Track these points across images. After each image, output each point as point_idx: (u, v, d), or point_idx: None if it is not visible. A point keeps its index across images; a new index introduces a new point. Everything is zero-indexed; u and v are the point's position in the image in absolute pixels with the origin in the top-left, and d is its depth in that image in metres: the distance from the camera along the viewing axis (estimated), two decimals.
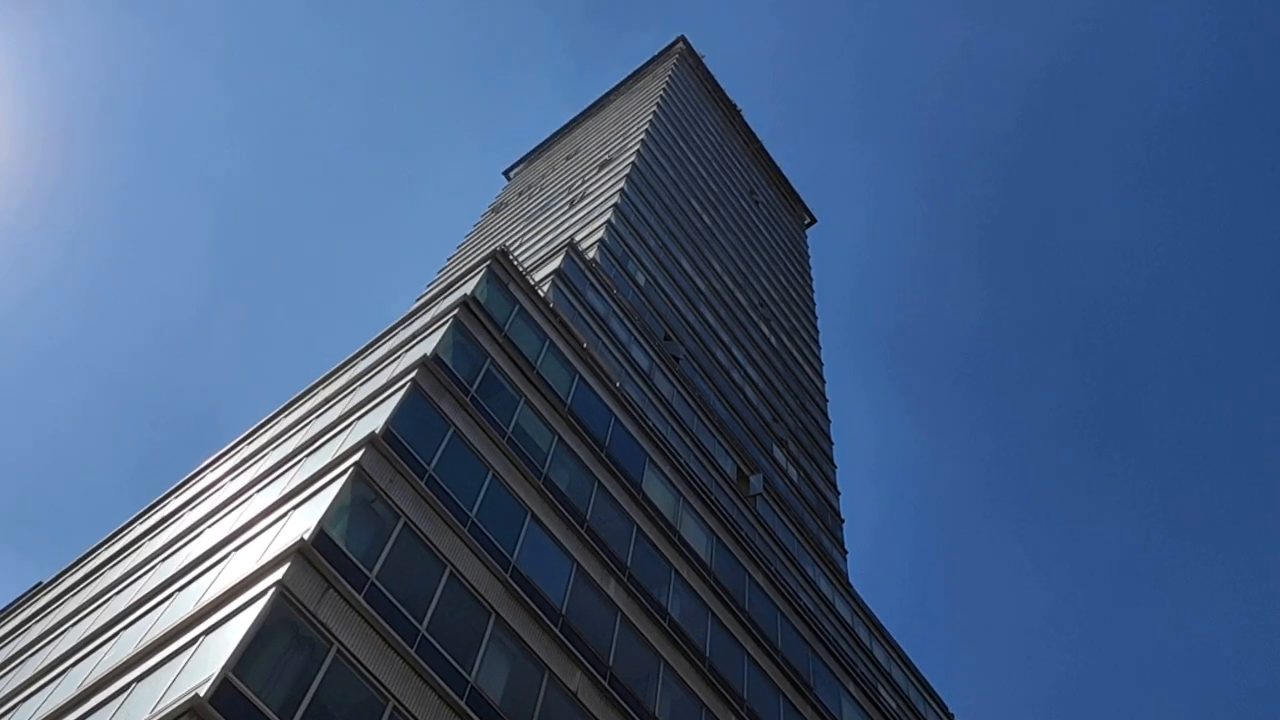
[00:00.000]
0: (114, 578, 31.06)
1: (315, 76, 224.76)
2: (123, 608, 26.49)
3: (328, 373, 35.78)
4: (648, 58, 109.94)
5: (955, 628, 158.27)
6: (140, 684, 19.51)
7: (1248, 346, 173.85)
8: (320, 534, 20.43)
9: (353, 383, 31.36)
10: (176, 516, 32.87)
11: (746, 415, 52.82)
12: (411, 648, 20.09)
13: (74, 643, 26.79)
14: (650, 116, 79.31)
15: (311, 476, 24.22)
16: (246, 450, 34.02)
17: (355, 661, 18.81)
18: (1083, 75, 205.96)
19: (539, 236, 61.73)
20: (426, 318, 32.74)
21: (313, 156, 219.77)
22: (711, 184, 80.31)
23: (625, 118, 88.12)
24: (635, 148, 70.01)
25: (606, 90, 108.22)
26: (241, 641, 17.43)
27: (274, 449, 30.90)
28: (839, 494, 59.47)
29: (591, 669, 24.48)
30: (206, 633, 19.27)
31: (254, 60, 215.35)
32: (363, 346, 35.44)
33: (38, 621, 33.92)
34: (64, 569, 39.17)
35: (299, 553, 19.68)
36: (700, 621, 30.80)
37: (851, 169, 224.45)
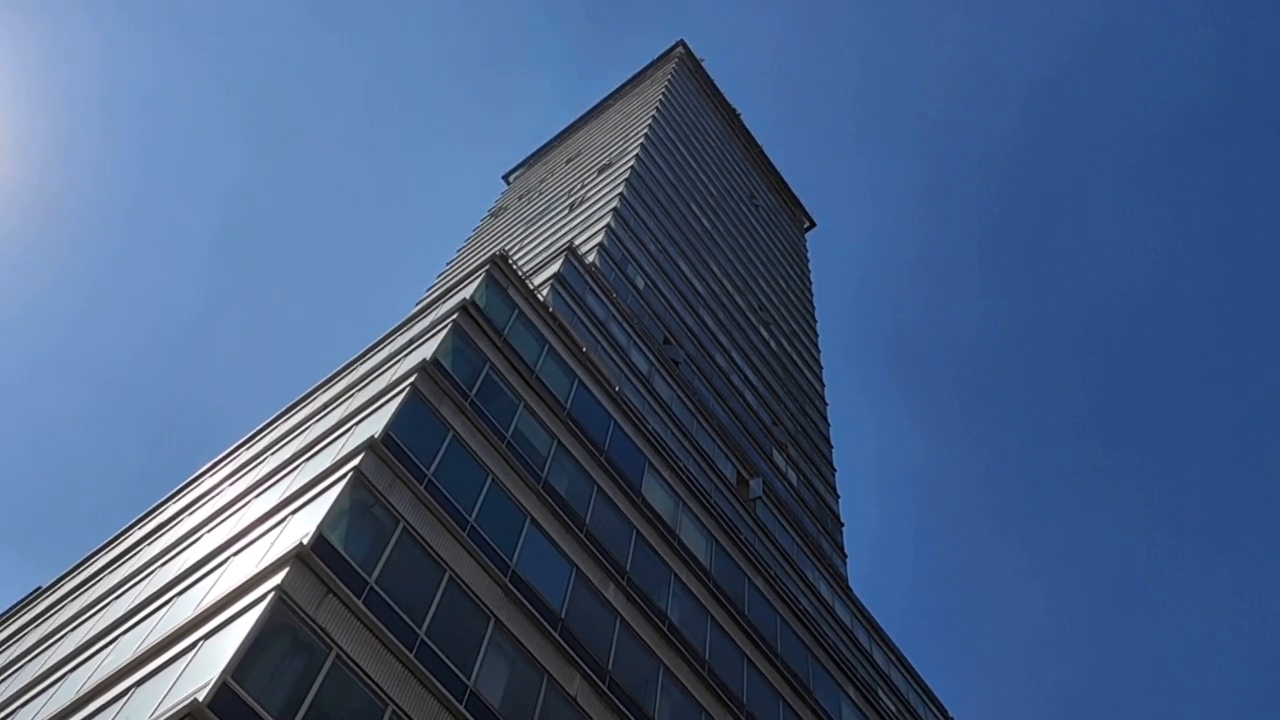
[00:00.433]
0: (113, 582, 31.05)
1: (316, 80, 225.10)
2: (122, 612, 26.48)
3: (327, 377, 35.79)
4: (647, 61, 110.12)
5: (955, 631, 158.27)
6: (139, 689, 19.50)
7: (1248, 349, 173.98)
8: (319, 538, 20.43)
9: (352, 387, 31.37)
10: (176, 521, 32.86)
11: (746, 419, 52.82)
12: (411, 652, 20.09)
13: (73, 647, 26.77)
14: (650, 120, 79.36)
15: (311, 481, 24.21)
16: (246, 455, 34.01)
17: (354, 666, 18.80)
18: (1082, 78, 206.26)
19: (538, 240, 61.77)
20: (426, 322, 32.75)
21: (312, 160, 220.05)
22: (711, 188, 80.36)
23: (625, 122, 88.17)
24: (635, 152, 70.04)
25: (606, 94, 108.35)
26: (241, 646, 17.43)
27: (273, 453, 30.90)
28: (839, 498, 59.46)
29: (591, 673, 24.48)
30: (206, 637, 19.27)
31: (255, 65, 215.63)
32: (362, 351, 35.45)
33: (37, 626, 33.90)
34: (63, 573, 39.14)
35: (298, 557, 19.68)
36: (700, 625, 30.79)
37: (851, 172, 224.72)
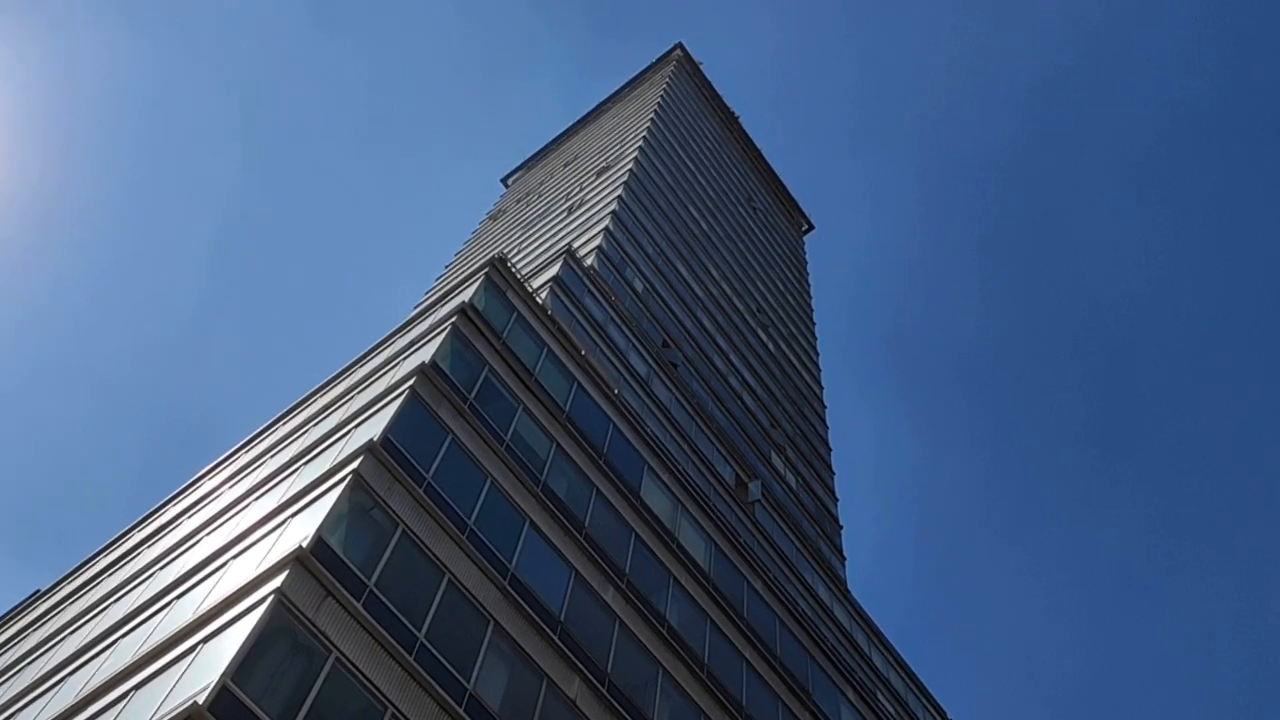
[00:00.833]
0: (112, 585, 31.05)
1: (316, 82, 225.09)
2: (121, 615, 26.49)
3: (326, 380, 35.81)
4: (646, 64, 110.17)
5: (955, 632, 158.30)
6: (139, 692, 19.52)
7: (1248, 351, 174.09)
8: (319, 542, 20.45)
9: (351, 390, 31.39)
10: (175, 524, 32.88)
11: (745, 422, 52.86)
12: (410, 655, 20.11)
13: (72, 650, 26.77)
14: (648, 123, 79.42)
15: (310, 484, 24.23)
16: (245, 458, 34.03)
17: (354, 669, 18.82)
18: (1082, 79, 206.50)
19: (537, 243, 61.80)
20: (424, 325, 32.77)
21: (312, 163, 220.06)
22: (709, 190, 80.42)
23: (623, 124, 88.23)
24: (633, 154, 70.09)
25: (605, 97, 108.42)
26: (240, 649, 17.45)
27: (272, 456, 30.92)
28: (838, 500, 59.49)
29: (590, 676, 24.50)
30: (205, 640, 19.29)
31: (255, 68, 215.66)
32: (361, 354, 35.47)
33: (36, 629, 33.90)
34: (62, 576, 39.15)
35: (297, 560, 19.70)
36: (699, 628, 30.82)
37: (850, 175, 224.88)
